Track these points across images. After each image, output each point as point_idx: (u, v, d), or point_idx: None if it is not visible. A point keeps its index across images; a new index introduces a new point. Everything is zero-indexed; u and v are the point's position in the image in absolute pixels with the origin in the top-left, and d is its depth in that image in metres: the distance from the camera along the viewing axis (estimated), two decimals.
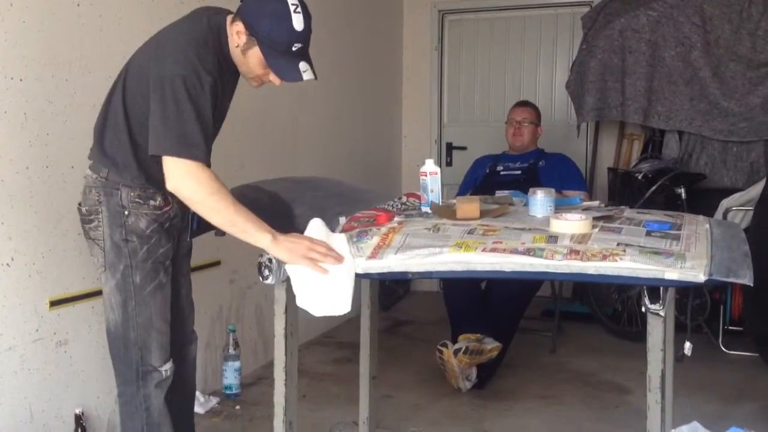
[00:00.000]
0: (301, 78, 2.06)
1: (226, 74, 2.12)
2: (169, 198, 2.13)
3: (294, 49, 2.01)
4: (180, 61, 1.97)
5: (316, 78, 2.10)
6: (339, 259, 1.98)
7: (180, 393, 2.40)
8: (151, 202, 2.12)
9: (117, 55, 2.83)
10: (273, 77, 2.09)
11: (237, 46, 2.06)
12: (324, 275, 1.96)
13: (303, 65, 2.05)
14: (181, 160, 1.96)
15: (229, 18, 2.10)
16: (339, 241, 2.07)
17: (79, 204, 2.19)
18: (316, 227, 2.09)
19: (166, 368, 2.20)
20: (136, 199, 2.11)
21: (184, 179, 1.97)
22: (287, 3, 1.98)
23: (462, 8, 5.75)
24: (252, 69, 2.09)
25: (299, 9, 2.00)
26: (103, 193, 2.11)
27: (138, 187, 2.10)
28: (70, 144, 2.66)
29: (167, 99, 1.95)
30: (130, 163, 2.09)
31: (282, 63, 2.03)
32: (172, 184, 2.00)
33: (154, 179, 2.08)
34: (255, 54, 2.04)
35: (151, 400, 2.19)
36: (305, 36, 2.03)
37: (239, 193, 2.25)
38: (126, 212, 2.10)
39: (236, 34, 2.05)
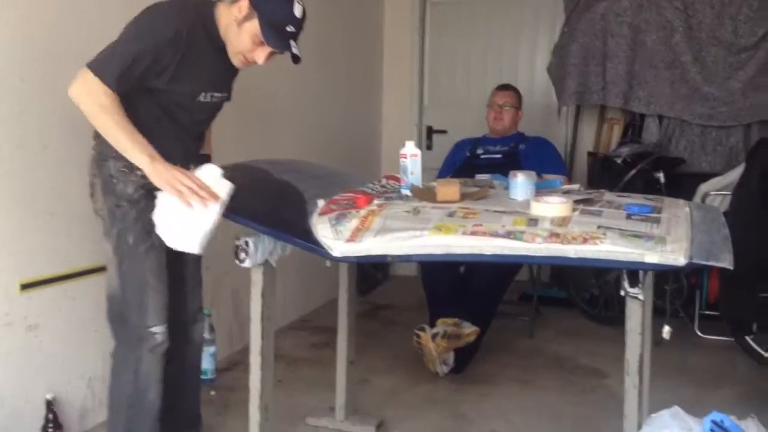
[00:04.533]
0: (288, 47, 2.19)
1: (203, 42, 2.22)
2: None
3: (288, 29, 2.19)
4: (155, 11, 2.14)
5: (299, 60, 2.23)
6: (205, 199, 2.06)
7: (183, 372, 2.52)
8: (138, 171, 2.16)
9: (90, 32, 2.77)
10: (258, 54, 2.23)
11: (235, 19, 2.19)
12: (186, 210, 2.06)
13: (292, 43, 2.20)
14: (91, 75, 2.03)
15: (222, 3, 2.25)
16: (222, 188, 2.11)
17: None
18: (206, 169, 2.14)
19: (161, 332, 2.27)
20: (123, 169, 2.20)
21: (82, 91, 2.04)
22: None
23: None
24: (242, 42, 2.21)
25: (301, 1, 2.21)
26: (96, 166, 2.25)
27: (124, 158, 2.14)
28: (42, 124, 2.59)
29: (126, 31, 2.11)
30: None
31: (274, 35, 2.18)
32: (71, 91, 2.06)
33: None
34: (251, 26, 2.18)
35: (142, 363, 2.27)
36: (299, 24, 2.21)
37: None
38: (115, 180, 2.21)
39: (237, 8, 2.18)
